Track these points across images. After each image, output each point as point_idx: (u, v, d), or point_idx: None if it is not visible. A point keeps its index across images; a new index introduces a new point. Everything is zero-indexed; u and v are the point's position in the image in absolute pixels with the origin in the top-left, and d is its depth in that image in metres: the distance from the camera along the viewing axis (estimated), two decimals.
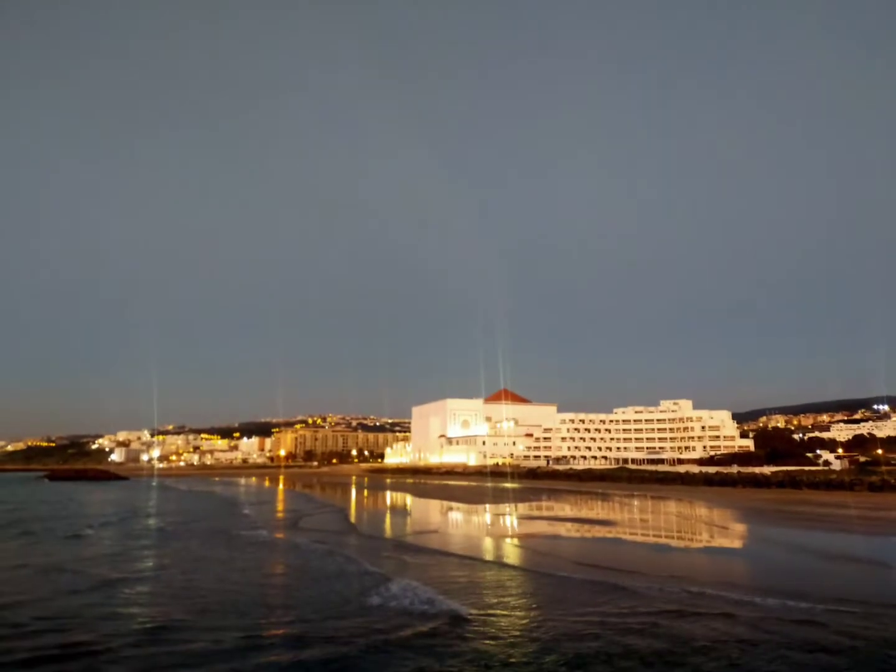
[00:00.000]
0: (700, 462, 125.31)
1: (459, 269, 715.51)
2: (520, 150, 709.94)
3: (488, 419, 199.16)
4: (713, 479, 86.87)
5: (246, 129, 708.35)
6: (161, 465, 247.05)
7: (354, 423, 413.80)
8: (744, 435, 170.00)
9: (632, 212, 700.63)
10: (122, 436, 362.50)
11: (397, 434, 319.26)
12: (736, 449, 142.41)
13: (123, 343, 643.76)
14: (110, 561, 28.40)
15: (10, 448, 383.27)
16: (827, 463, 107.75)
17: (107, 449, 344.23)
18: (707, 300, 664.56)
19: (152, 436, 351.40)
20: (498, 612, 18.39)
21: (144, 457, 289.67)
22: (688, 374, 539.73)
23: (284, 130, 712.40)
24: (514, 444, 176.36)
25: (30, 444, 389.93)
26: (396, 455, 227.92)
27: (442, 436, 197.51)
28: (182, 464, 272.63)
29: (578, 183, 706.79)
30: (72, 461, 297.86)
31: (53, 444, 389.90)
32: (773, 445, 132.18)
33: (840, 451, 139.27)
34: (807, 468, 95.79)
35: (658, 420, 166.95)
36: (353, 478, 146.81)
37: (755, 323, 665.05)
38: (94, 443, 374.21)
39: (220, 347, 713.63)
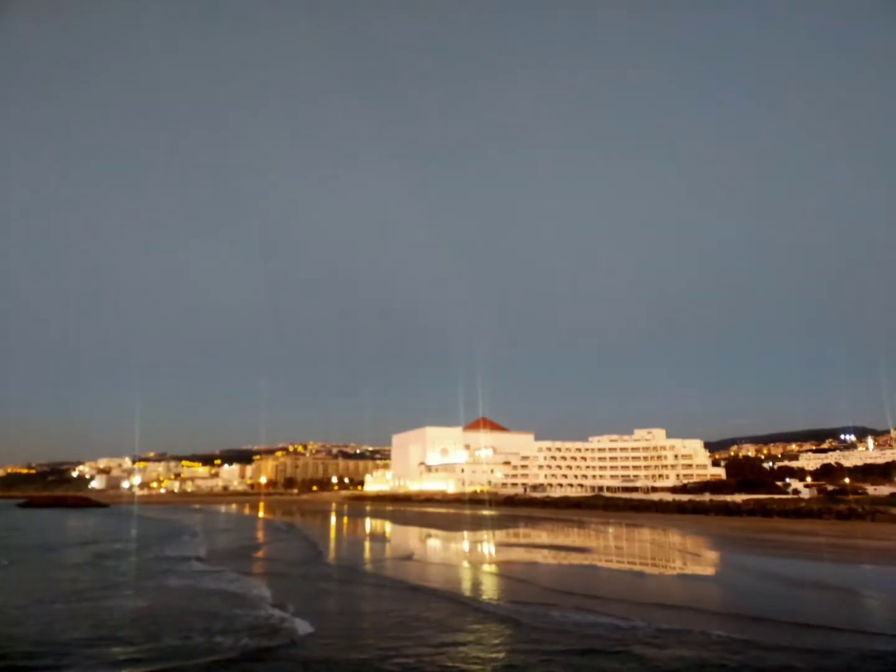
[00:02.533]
0: (673, 490, 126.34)
1: (439, 302, 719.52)
2: (495, 184, 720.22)
3: (467, 447, 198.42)
4: (686, 507, 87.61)
5: (233, 166, 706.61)
6: (142, 493, 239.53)
7: (335, 451, 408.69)
8: (715, 464, 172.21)
9: (606, 246, 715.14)
10: (102, 463, 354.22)
11: (377, 462, 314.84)
12: (708, 477, 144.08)
13: (105, 370, 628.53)
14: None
15: None
16: (796, 491, 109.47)
17: (87, 476, 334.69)
18: (680, 333, 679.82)
19: (133, 463, 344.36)
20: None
21: (125, 484, 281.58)
22: (661, 404, 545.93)
23: (267, 167, 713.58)
24: (492, 471, 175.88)
25: (10, 471, 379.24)
26: (376, 483, 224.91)
27: (421, 463, 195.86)
28: (163, 491, 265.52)
29: (553, 216, 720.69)
30: (52, 488, 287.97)
31: (34, 472, 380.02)
32: (743, 474, 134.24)
33: (808, 479, 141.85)
34: (777, 496, 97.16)
35: (632, 448, 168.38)
36: (333, 505, 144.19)
37: (726, 355, 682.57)
38: (74, 470, 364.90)
39: (201, 375, 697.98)
